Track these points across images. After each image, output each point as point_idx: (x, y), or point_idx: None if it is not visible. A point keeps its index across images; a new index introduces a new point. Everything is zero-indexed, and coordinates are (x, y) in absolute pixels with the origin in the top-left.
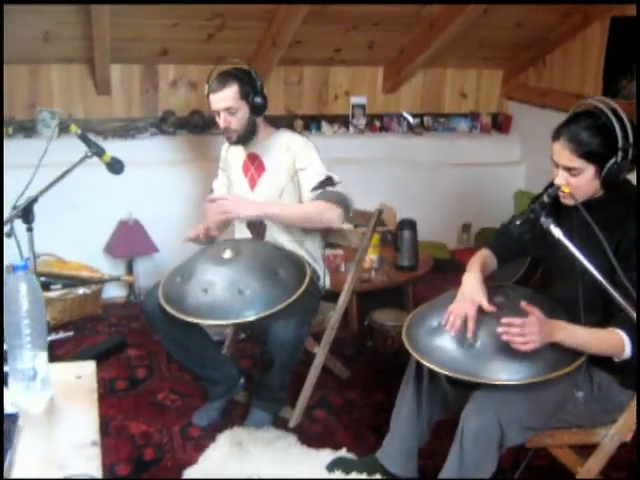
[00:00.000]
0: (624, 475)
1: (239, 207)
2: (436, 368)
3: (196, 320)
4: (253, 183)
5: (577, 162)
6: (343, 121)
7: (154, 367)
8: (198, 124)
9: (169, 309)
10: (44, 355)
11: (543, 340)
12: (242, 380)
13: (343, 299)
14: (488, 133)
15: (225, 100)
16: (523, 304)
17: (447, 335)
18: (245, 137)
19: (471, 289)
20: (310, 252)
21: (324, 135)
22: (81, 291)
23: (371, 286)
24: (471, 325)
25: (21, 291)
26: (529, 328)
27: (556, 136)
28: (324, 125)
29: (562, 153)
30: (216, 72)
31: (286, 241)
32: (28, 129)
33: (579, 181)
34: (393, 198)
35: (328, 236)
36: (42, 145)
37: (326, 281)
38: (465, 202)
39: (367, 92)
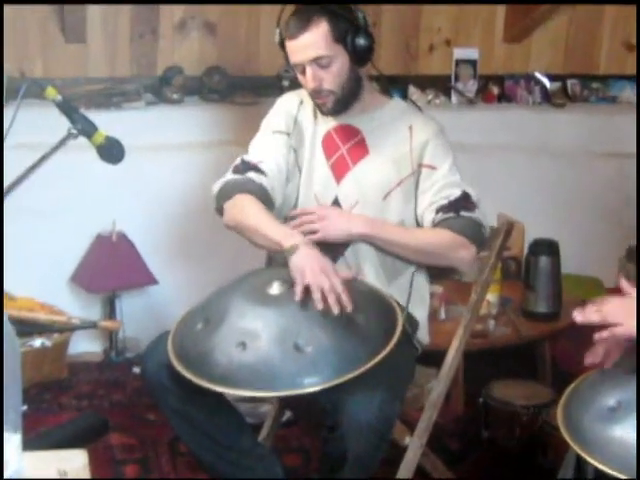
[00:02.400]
0: None
1: (330, 223)
2: (616, 473)
3: (229, 390)
4: (341, 171)
5: None
6: (442, 85)
7: (151, 463)
8: (218, 88)
9: (184, 373)
10: (17, 439)
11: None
12: None
13: (450, 363)
14: None
15: (311, 46)
16: None
17: (633, 421)
18: (346, 101)
19: None
20: (403, 288)
21: None
22: (38, 343)
23: (487, 343)
24: None
25: None
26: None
27: None
28: (412, 91)
29: None
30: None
31: (371, 269)
32: None
33: None
34: (519, 206)
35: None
36: None
37: (426, 334)
38: (633, 213)
39: (479, 42)
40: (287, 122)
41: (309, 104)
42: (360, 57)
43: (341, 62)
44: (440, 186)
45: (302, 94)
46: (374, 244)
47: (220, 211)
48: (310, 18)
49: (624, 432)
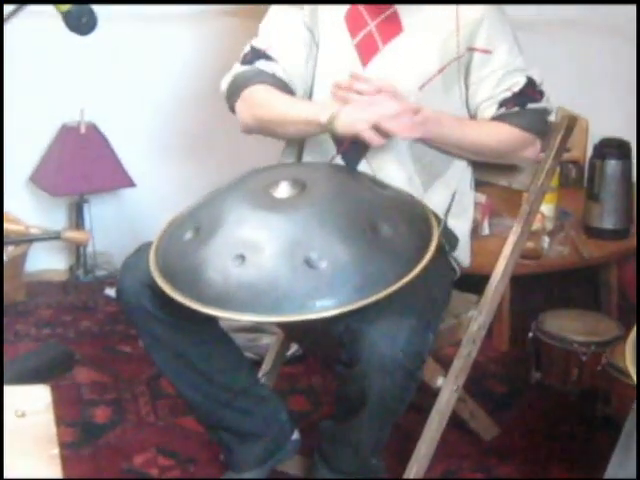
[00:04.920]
0: None
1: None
2: None
3: (224, 314)
4: (368, 52)
5: None
6: None
7: (126, 404)
8: None
9: (170, 293)
10: None
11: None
12: (295, 435)
13: (494, 289)
14: None
15: None
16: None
17: None
18: None
19: None
20: (441, 196)
21: None
22: None
23: (541, 266)
24: None
25: None
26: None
27: None
28: None
29: None
30: None
31: (400, 172)
32: None
33: None
34: (582, 98)
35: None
36: None
37: (466, 252)
38: None
39: None
40: None
41: None
42: None
43: None
44: (500, 75)
45: None
46: (434, 143)
47: (234, 112)
48: None
49: None
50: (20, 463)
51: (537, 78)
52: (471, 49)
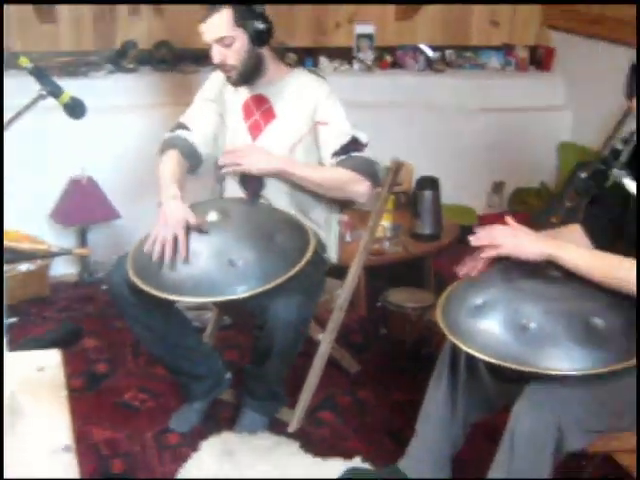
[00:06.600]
0: None
1: (253, 158)
2: (480, 355)
3: (176, 297)
4: (257, 131)
5: None
6: (346, 55)
7: (117, 360)
8: (166, 58)
9: (141, 285)
10: None
11: (520, 245)
12: (228, 375)
13: (353, 274)
14: (525, 71)
15: (216, 29)
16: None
17: (495, 315)
18: (248, 75)
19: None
20: (316, 220)
21: (322, 73)
22: (24, 267)
23: (383, 259)
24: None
25: None
26: (496, 231)
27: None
28: (322, 61)
29: None
30: None
31: (286, 205)
32: None
33: None
34: (408, 151)
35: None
36: None
37: (333, 252)
38: (497, 156)
39: (376, 19)
40: (214, 92)
41: None
42: (258, 38)
43: (241, 42)
44: (334, 137)
45: None
46: (288, 179)
47: None
48: (217, 6)
49: (489, 325)
50: (40, 404)
51: (362, 138)
52: (316, 123)
